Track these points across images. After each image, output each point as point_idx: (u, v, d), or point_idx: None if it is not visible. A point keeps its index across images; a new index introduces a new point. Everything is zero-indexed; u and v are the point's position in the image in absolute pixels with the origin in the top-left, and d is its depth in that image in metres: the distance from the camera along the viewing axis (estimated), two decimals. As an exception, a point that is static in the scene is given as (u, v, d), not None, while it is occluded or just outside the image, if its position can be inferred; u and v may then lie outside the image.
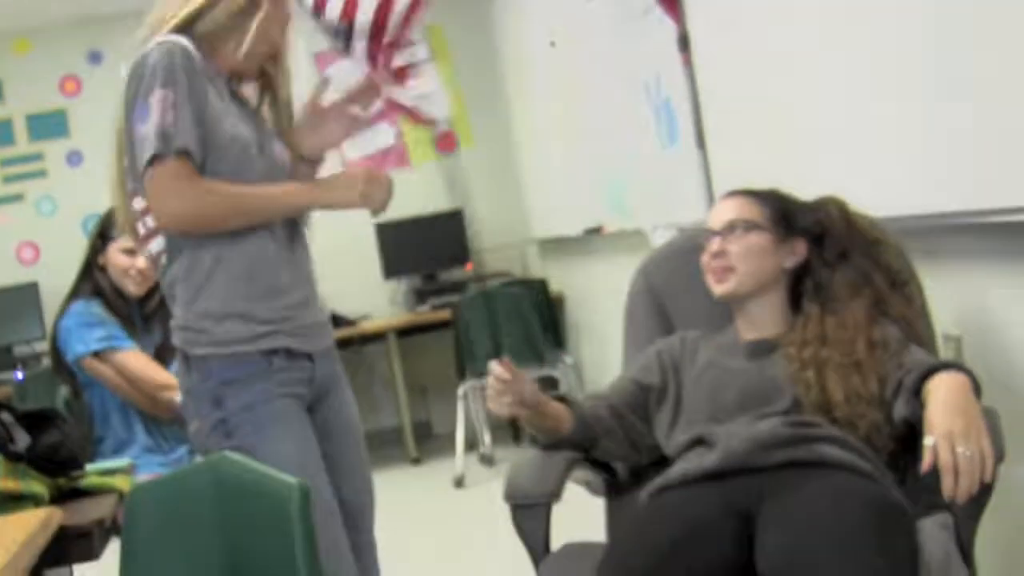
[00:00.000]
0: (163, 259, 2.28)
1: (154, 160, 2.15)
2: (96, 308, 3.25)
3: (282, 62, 2.46)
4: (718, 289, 2.38)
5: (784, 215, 2.39)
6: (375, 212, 2.39)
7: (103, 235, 3.28)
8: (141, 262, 3.17)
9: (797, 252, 2.38)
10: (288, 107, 2.48)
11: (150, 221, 2.26)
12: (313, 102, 2.51)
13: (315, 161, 2.53)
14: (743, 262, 2.34)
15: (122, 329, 3.25)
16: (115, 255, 3.25)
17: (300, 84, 2.51)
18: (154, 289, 3.26)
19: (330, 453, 2.36)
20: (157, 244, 2.29)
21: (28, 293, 6.37)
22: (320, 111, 2.51)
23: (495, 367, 2.18)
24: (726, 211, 2.40)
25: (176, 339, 2.29)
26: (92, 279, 3.29)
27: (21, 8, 6.34)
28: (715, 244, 2.37)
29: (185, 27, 2.27)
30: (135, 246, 2.41)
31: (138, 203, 2.28)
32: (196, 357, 2.25)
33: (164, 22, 2.28)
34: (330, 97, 2.52)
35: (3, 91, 6.74)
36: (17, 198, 6.74)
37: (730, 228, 2.37)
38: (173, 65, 2.18)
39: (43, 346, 5.87)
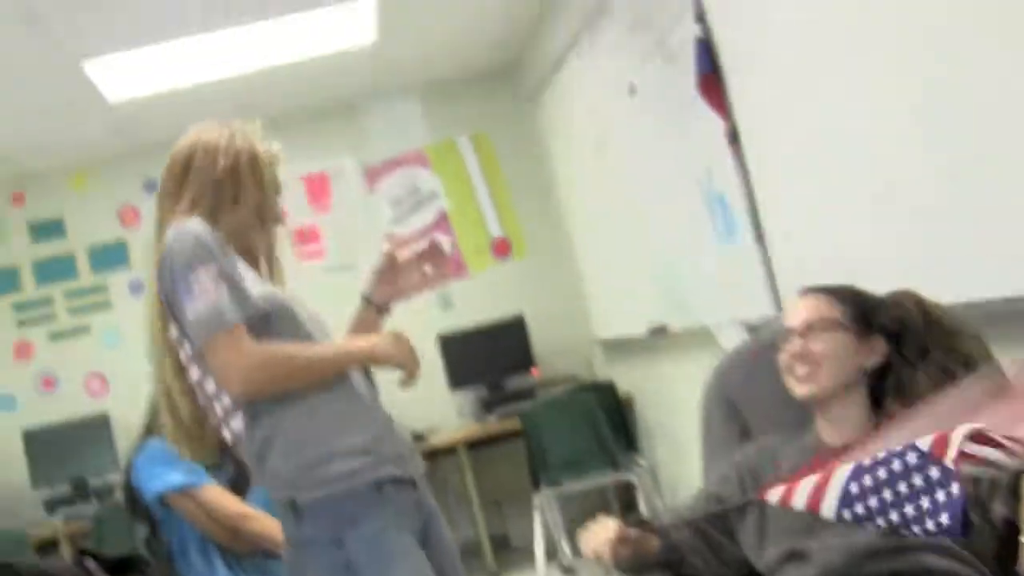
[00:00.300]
0: (246, 431, 2.32)
1: (213, 338, 2.22)
2: (171, 446, 3.25)
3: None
4: (800, 390, 2.31)
5: (862, 313, 2.32)
6: (410, 379, 2.44)
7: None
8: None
9: (877, 351, 2.30)
10: (277, 261, 2.61)
11: (226, 399, 2.32)
12: (391, 254, 2.63)
13: (383, 309, 2.65)
14: (825, 362, 2.28)
15: (198, 465, 3.23)
16: None
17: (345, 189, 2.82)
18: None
19: None
20: (237, 422, 2.33)
21: (99, 425, 6.41)
22: (396, 263, 2.63)
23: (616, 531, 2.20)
24: (804, 309, 2.35)
25: (279, 494, 2.28)
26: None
27: (77, 144, 6.49)
28: (796, 344, 2.31)
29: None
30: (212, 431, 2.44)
31: (211, 386, 2.34)
32: (309, 503, 2.24)
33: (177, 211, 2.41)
34: (405, 254, 2.64)
35: (64, 226, 6.86)
36: (83, 330, 6.82)
37: (809, 327, 2.31)
38: (204, 242, 2.29)
39: (116, 478, 5.90)
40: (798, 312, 2.35)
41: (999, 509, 2.00)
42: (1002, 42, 2.24)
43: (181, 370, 2.37)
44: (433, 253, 2.65)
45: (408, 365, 2.40)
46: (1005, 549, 2.04)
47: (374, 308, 2.62)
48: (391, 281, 2.63)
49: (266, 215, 2.51)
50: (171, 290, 2.29)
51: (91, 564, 2.27)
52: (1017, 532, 1.92)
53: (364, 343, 2.43)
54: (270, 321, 2.31)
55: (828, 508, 1.63)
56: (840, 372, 2.28)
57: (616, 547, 2.16)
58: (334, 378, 2.34)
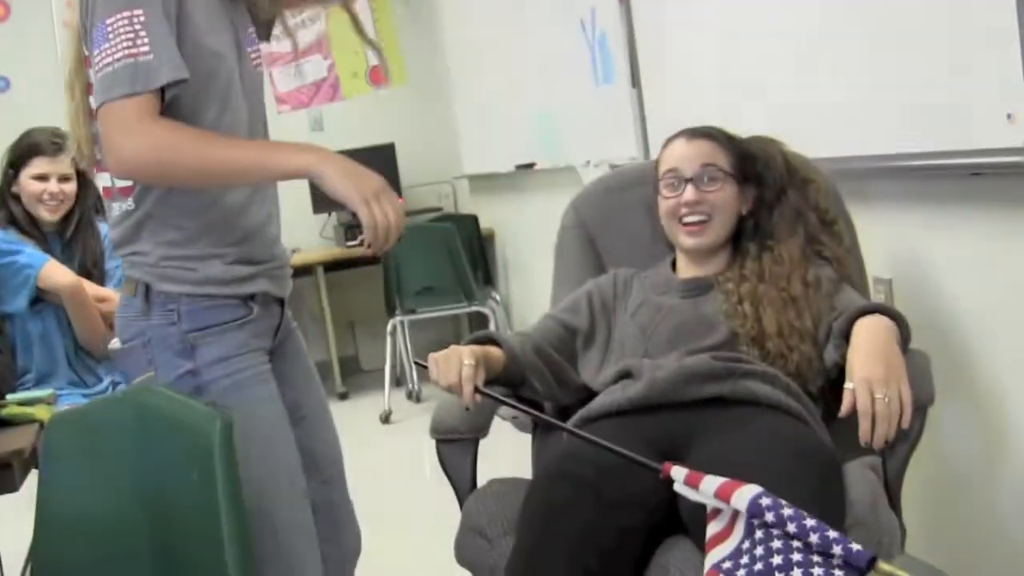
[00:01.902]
0: (129, 198, 1.95)
1: (122, 98, 1.77)
2: (13, 235, 3.18)
3: None
4: (691, 242, 2.29)
5: (741, 159, 2.32)
6: (377, 242, 1.86)
7: (14, 164, 3.20)
8: (53, 186, 3.15)
9: (750, 199, 2.33)
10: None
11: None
12: None
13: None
14: (718, 213, 2.27)
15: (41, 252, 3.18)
16: (27, 183, 3.17)
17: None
18: (70, 213, 3.22)
19: (295, 403, 2.13)
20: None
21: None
22: None
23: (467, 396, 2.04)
24: (695, 155, 2.29)
25: (135, 272, 1.95)
26: (7, 209, 3.21)
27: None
28: (689, 192, 2.27)
29: None
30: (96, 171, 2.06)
31: None
32: (163, 294, 1.93)
33: None
34: None
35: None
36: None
37: (703, 175, 2.27)
38: None
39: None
40: (685, 157, 2.30)
41: (830, 352, 2.10)
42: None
43: (89, 112, 1.95)
44: None
45: (355, 198, 1.86)
46: (832, 389, 2.13)
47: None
48: None
49: None
50: (89, 25, 1.84)
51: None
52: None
53: (302, 157, 1.87)
54: (192, 91, 1.86)
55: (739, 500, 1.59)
56: (728, 222, 2.29)
57: (470, 387, 2.04)
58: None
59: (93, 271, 3.20)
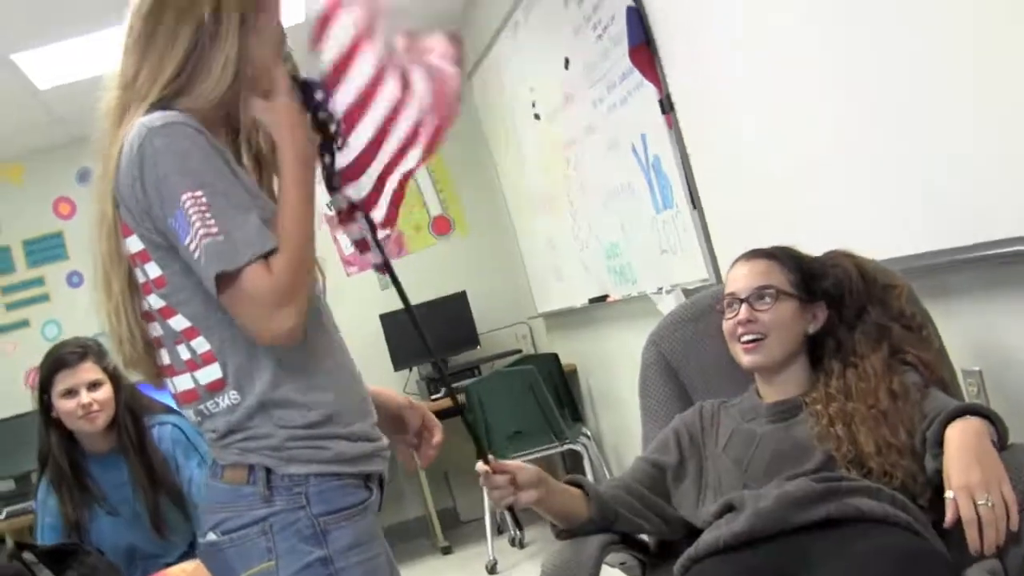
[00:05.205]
0: (225, 393, 1.84)
1: (224, 277, 1.71)
2: (52, 501, 3.09)
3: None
4: (747, 360, 2.32)
5: (804, 278, 2.34)
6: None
7: (44, 389, 3.10)
8: (84, 397, 3.02)
9: (819, 317, 2.34)
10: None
11: (199, 345, 1.83)
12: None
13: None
14: (773, 331, 2.29)
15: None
16: (59, 403, 3.06)
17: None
18: (114, 420, 3.09)
19: None
20: (210, 372, 1.84)
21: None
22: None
23: (479, 467, 2.11)
24: (750, 276, 2.35)
25: (250, 458, 1.83)
26: (51, 454, 3.10)
27: (9, 136, 6.40)
28: (743, 312, 2.32)
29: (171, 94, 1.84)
30: (155, 381, 1.93)
31: (180, 322, 1.82)
32: (287, 477, 1.81)
33: (141, 94, 1.85)
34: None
35: (-1, 219, 6.79)
36: (22, 324, 6.77)
37: (758, 295, 2.31)
38: (190, 150, 1.75)
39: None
40: (742, 278, 2.35)
41: (929, 463, 2.06)
42: (920, 17, 2.28)
43: (134, 291, 1.85)
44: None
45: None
46: (938, 498, 2.09)
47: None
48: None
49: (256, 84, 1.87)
50: (158, 215, 1.75)
51: (28, 556, 2.18)
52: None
53: (287, 167, 1.83)
54: None
55: None
56: (786, 340, 2.30)
57: (517, 497, 2.12)
58: (338, 350, 1.92)
59: (164, 476, 3.07)
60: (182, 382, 1.87)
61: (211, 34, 1.84)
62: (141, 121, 1.78)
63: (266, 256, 1.74)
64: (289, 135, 1.84)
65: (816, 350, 2.35)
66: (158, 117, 1.78)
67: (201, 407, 1.86)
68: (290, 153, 1.83)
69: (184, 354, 1.85)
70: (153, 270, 1.82)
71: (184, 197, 1.72)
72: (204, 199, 1.73)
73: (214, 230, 1.71)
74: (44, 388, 3.11)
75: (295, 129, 1.84)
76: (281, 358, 1.82)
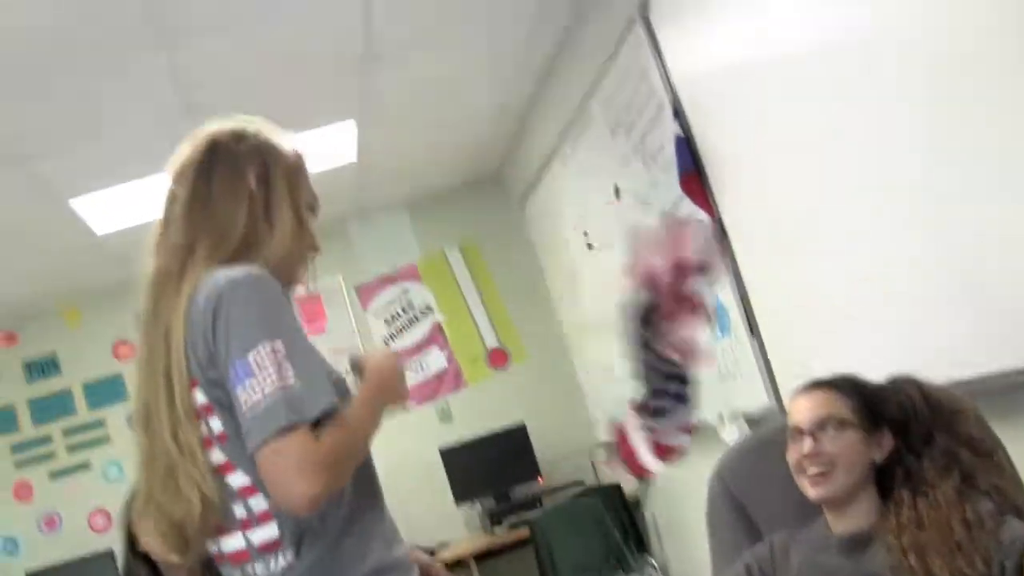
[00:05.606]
0: (279, 554, 1.81)
1: (280, 432, 1.65)
2: None
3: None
4: (815, 493, 2.28)
5: (868, 406, 2.30)
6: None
7: (130, 531, 2.95)
8: None
9: (885, 445, 2.29)
10: None
11: (256, 504, 1.79)
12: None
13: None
14: (839, 462, 2.26)
15: None
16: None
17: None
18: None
19: None
20: (258, 533, 1.81)
21: (105, 562, 6.31)
22: None
23: None
24: (811, 407, 2.32)
25: None
26: None
27: (68, 280, 6.52)
28: (807, 444, 2.28)
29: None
30: (212, 537, 1.85)
31: (239, 479, 1.79)
32: None
33: (201, 257, 1.87)
34: None
35: (59, 363, 6.88)
36: (83, 467, 6.80)
37: (821, 426, 2.28)
38: (270, 301, 1.75)
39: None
40: (805, 410, 2.32)
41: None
42: (976, 134, 2.26)
43: (200, 446, 1.78)
44: None
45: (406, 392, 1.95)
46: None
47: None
48: None
49: (305, 241, 1.98)
50: (223, 363, 1.72)
51: None
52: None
53: (368, 390, 1.87)
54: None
55: None
56: (852, 470, 2.26)
57: None
58: (380, 499, 1.91)
59: None
60: (231, 543, 1.83)
61: (264, 202, 1.91)
62: (223, 272, 1.79)
63: (320, 422, 1.70)
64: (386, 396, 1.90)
65: (884, 480, 2.30)
66: (240, 270, 1.78)
67: (248, 568, 1.82)
68: (380, 407, 1.87)
69: (239, 512, 1.80)
70: (216, 424, 1.78)
71: (262, 345, 1.70)
72: (283, 351, 1.70)
73: (290, 381, 1.68)
74: (130, 531, 3.03)
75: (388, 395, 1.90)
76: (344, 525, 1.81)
